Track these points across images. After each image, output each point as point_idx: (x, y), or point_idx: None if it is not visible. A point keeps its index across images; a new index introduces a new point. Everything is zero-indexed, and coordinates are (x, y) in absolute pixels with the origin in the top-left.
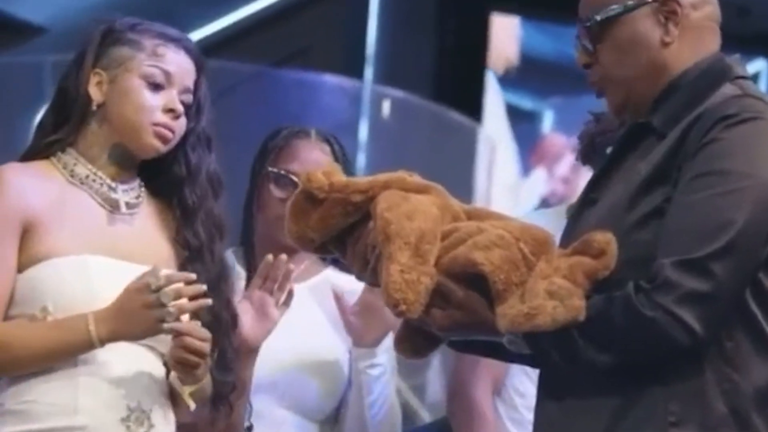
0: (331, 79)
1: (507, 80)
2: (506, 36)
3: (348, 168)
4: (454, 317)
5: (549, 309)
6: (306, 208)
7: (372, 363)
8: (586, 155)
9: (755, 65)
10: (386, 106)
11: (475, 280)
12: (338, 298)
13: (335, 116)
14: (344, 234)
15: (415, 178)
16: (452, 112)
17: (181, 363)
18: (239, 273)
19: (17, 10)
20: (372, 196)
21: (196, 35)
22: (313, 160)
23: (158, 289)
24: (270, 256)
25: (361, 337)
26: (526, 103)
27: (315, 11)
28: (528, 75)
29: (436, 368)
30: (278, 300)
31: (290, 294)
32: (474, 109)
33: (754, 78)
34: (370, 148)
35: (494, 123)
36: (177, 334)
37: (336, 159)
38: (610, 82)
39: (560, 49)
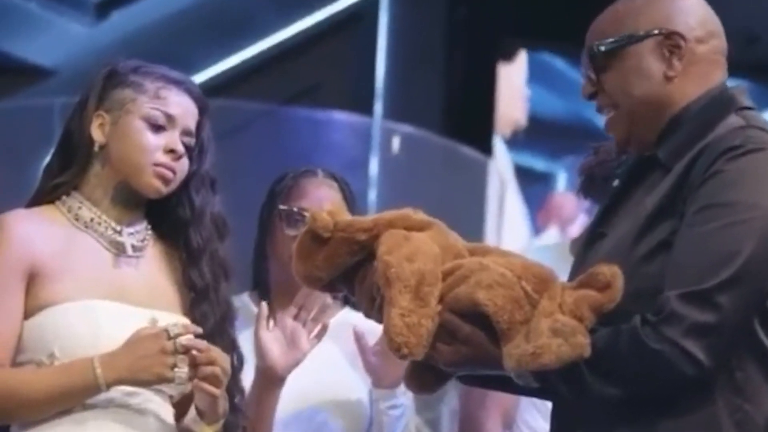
0: (340, 116)
1: (516, 141)
2: (513, 97)
3: (355, 204)
4: (461, 352)
5: (554, 347)
6: (312, 248)
7: (393, 404)
8: (586, 188)
9: None
10: (396, 142)
11: (480, 315)
12: (359, 339)
13: (346, 153)
14: (351, 272)
15: (419, 215)
16: (462, 146)
17: (208, 381)
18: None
19: (27, 53)
20: (376, 235)
21: (206, 75)
22: (321, 197)
23: (176, 336)
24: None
25: (381, 378)
26: (538, 164)
27: (323, 48)
28: (538, 135)
29: (450, 402)
30: (311, 331)
31: (324, 328)
32: (484, 143)
33: None
34: (380, 184)
35: (501, 187)
36: (191, 351)
37: (343, 195)
38: (619, 113)
39: (570, 108)
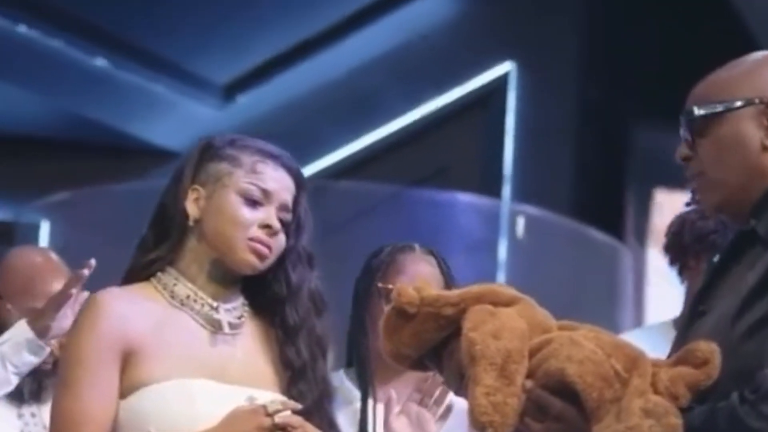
0: (466, 198)
1: None
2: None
3: (452, 281)
4: (552, 430)
5: (645, 428)
6: (398, 324)
7: None
8: (674, 255)
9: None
10: (524, 224)
11: (570, 391)
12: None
13: (472, 235)
14: (439, 348)
15: (508, 290)
16: (593, 230)
17: None
18: (354, 394)
19: (154, 136)
20: (463, 309)
21: (335, 156)
22: (419, 273)
23: (275, 412)
24: (429, 373)
25: None
26: None
27: (451, 131)
28: None
29: None
30: (435, 414)
31: (448, 409)
32: (616, 227)
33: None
34: (509, 267)
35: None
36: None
37: (441, 271)
38: (706, 180)
39: None
